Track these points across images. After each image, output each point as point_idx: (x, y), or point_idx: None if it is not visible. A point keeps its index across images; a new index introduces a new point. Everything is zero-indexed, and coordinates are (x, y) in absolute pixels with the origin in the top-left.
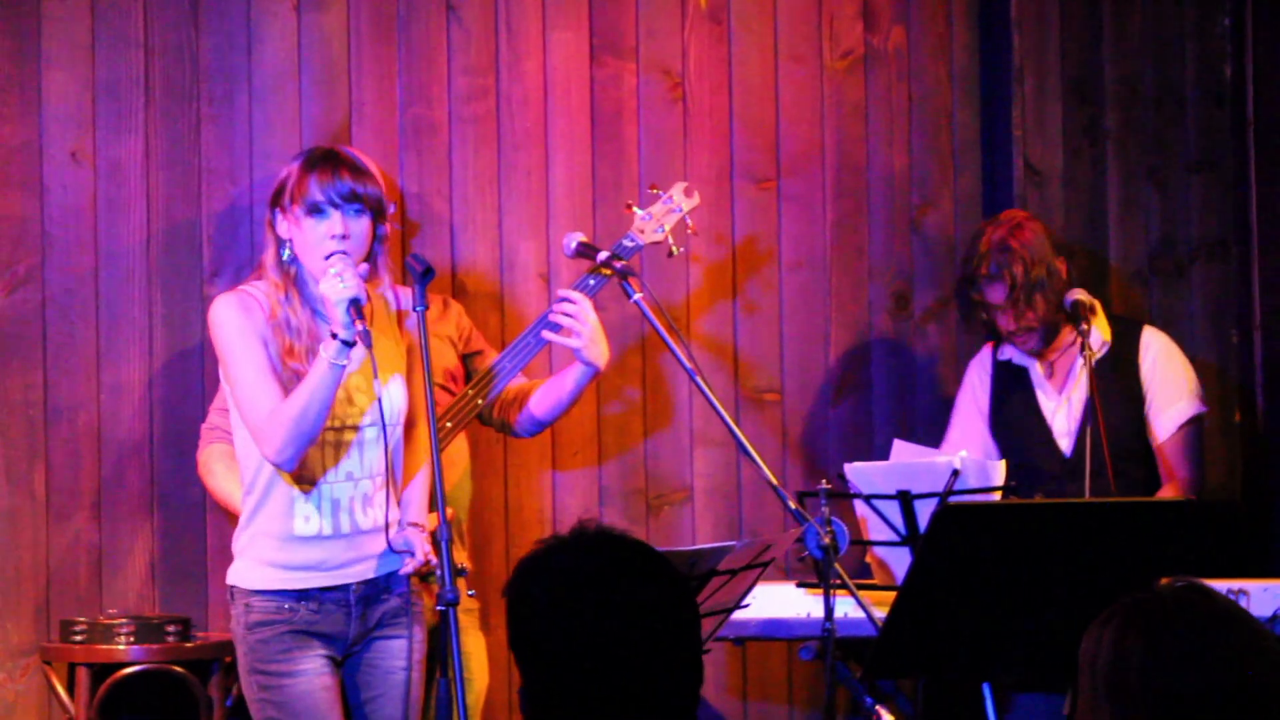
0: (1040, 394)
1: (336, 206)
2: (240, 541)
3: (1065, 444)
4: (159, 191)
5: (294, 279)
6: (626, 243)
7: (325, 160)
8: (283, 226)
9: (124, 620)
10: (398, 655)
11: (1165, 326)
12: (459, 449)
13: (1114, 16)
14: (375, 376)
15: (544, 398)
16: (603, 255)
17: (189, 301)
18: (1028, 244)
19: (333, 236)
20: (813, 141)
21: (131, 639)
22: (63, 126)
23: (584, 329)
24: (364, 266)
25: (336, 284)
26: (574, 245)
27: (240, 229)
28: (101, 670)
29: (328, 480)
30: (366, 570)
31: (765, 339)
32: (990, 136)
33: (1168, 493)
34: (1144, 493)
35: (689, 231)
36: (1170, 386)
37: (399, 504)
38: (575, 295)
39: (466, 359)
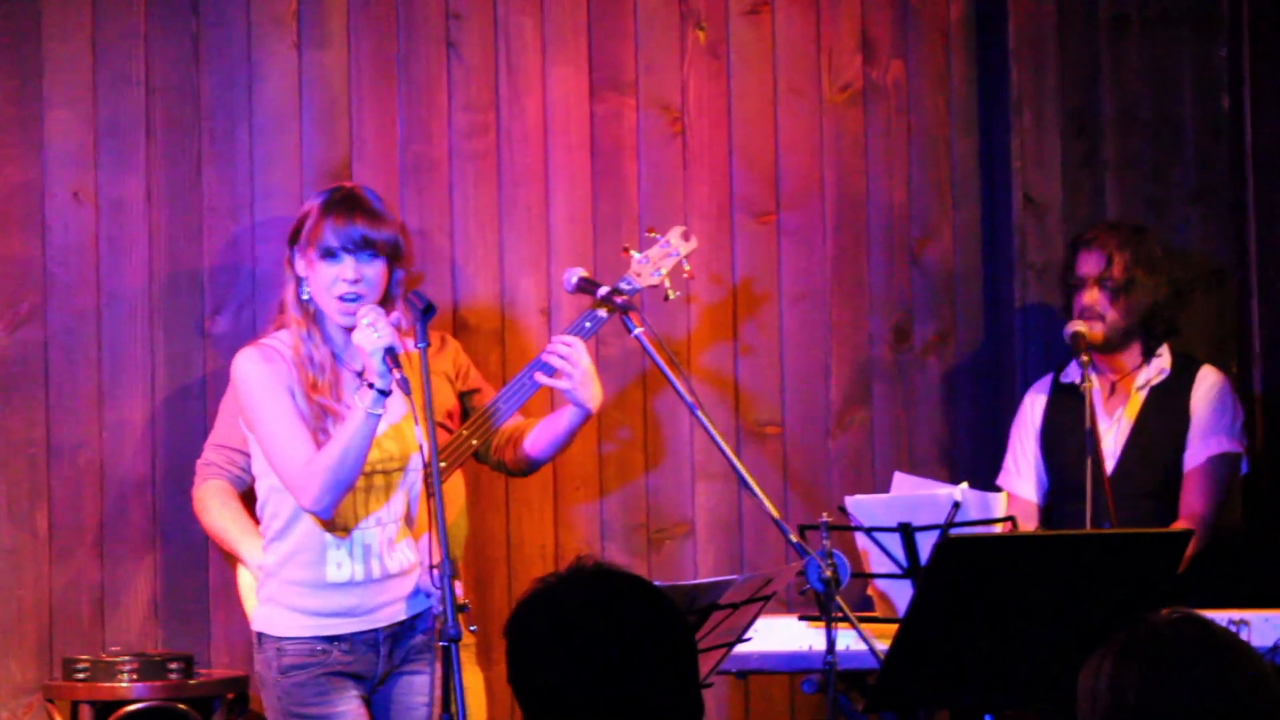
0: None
1: (349, 252)
2: (268, 589)
3: (1109, 464)
4: (160, 230)
5: (313, 316)
6: (623, 286)
7: (342, 204)
8: (299, 265)
9: (127, 658)
10: (419, 691)
11: None
12: (455, 487)
13: (1112, 48)
14: (417, 424)
15: (539, 438)
16: (603, 290)
17: (191, 339)
18: (1142, 241)
19: (344, 280)
20: (812, 175)
21: (134, 676)
22: (64, 166)
23: (575, 372)
24: (395, 315)
25: (370, 334)
26: (575, 280)
27: (242, 266)
28: (104, 708)
29: (359, 526)
30: (397, 613)
31: (766, 372)
32: (989, 168)
33: (1180, 525)
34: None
35: (686, 275)
36: (1208, 419)
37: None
38: (569, 338)
39: (464, 396)
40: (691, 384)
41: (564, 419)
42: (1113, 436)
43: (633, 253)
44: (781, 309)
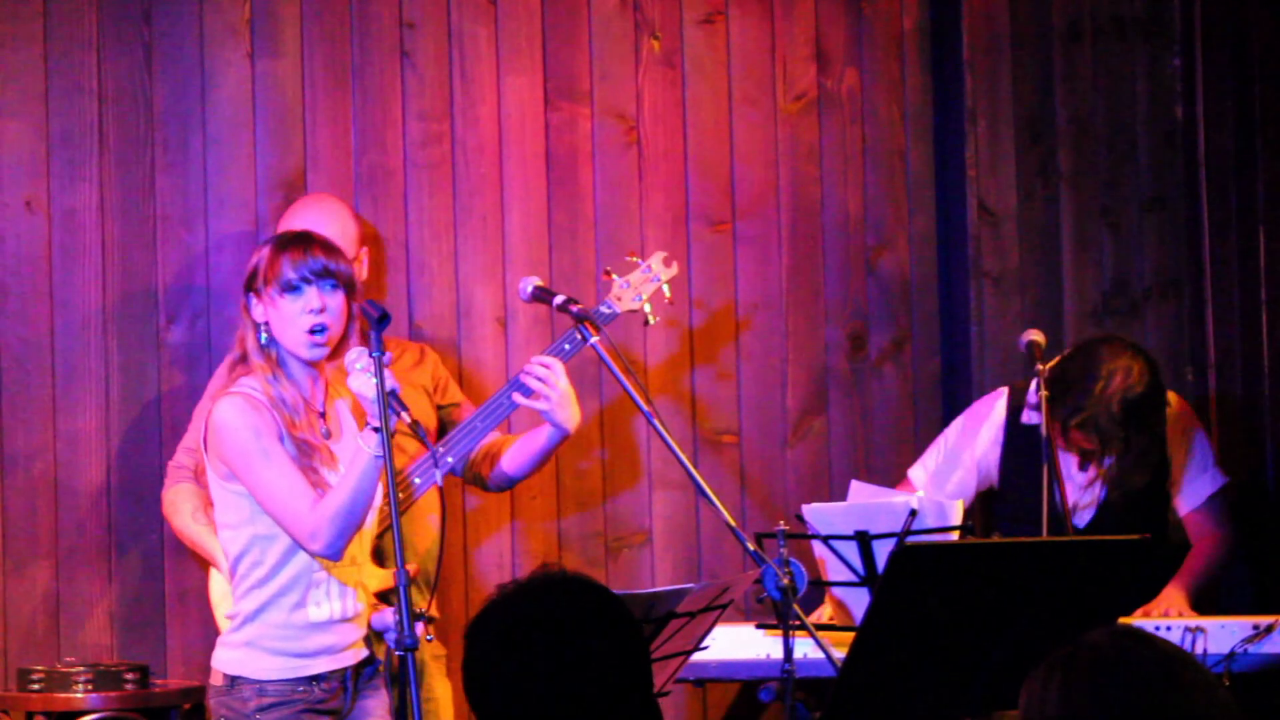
0: (1064, 466)
1: (311, 283)
2: (245, 633)
3: (1086, 516)
4: (114, 239)
5: (276, 360)
6: (604, 309)
7: (297, 240)
8: (258, 310)
9: (82, 668)
10: (374, 714)
11: None
12: (431, 504)
13: (1065, 57)
14: (390, 463)
15: (516, 455)
16: (559, 299)
17: (145, 349)
18: (1140, 415)
19: (310, 311)
20: (767, 184)
21: (90, 687)
22: (17, 176)
23: (553, 394)
24: (388, 355)
25: (368, 379)
26: (530, 289)
27: (196, 276)
28: (60, 719)
29: (339, 566)
30: (361, 650)
31: (722, 381)
32: (944, 177)
33: (1205, 546)
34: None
35: (667, 301)
36: (1195, 462)
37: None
38: (548, 360)
39: (442, 410)
40: (648, 393)
41: (541, 438)
42: (1091, 493)
43: (614, 276)
44: (737, 318)
